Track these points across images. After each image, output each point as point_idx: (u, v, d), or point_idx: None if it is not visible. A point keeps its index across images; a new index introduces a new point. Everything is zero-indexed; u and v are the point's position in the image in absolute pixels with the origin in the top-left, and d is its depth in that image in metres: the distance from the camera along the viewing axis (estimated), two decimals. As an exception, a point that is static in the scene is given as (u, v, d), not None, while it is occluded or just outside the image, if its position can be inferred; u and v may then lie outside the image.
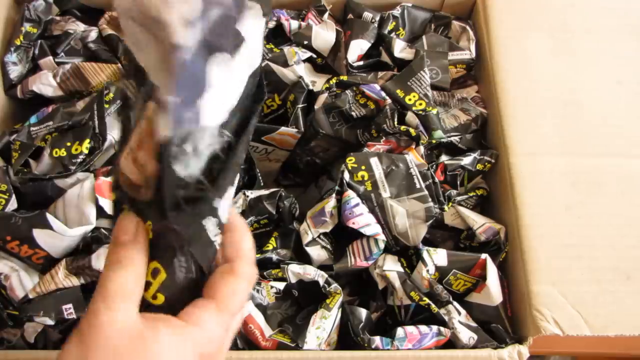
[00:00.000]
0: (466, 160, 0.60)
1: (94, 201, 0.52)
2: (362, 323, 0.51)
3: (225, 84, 0.28)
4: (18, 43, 0.64)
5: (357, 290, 0.59)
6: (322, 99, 0.61)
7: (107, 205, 0.53)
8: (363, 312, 0.52)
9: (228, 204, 0.30)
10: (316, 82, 0.64)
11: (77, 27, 0.67)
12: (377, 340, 0.49)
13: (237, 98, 0.29)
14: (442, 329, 0.50)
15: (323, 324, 0.50)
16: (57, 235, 0.50)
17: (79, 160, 0.55)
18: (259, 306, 0.52)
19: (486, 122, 0.64)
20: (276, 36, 0.68)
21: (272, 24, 0.67)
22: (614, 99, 0.61)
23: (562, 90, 0.61)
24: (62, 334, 0.51)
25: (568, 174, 0.56)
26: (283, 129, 0.58)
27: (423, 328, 0.50)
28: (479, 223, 0.57)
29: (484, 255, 0.54)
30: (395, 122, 0.58)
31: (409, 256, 0.55)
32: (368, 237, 0.53)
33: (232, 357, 0.48)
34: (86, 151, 0.55)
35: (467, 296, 0.55)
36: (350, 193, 0.54)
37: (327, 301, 0.52)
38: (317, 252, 0.55)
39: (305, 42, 0.65)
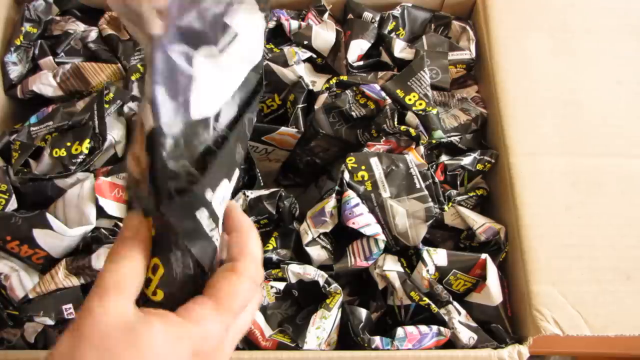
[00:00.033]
0: (466, 160, 0.60)
1: (94, 201, 0.52)
2: (362, 323, 0.51)
3: (214, 78, 0.28)
4: (18, 43, 0.64)
5: (357, 290, 0.59)
6: (322, 99, 0.61)
7: (107, 205, 0.53)
8: (363, 312, 0.52)
9: (222, 197, 0.30)
10: (316, 82, 0.64)
11: (77, 27, 0.67)
12: (377, 340, 0.49)
13: (231, 92, 0.29)
14: (442, 329, 0.50)
15: (323, 324, 0.50)
16: (57, 235, 0.50)
17: (79, 160, 0.55)
18: (259, 306, 0.53)
19: (486, 122, 0.64)
20: (276, 36, 0.68)
21: (272, 24, 0.67)
22: (614, 99, 0.61)
23: (562, 90, 0.61)
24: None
25: (568, 174, 0.56)
26: (283, 129, 0.58)
27: (423, 328, 0.50)
28: (479, 223, 0.57)
29: (484, 255, 0.54)
30: (395, 122, 0.58)
31: (409, 256, 0.55)
32: (368, 237, 0.53)
33: (232, 357, 0.48)
34: (86, 151, 0.55)
35: (467, 296, 0.55)
36: (350, 193, 0.54)
37: (327, 301, 0.52)
38: (317, 252, 0.55)
39: (305, 42, 0.65)
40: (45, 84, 0.62)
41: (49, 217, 0.50)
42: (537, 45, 0.64)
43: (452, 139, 0.61)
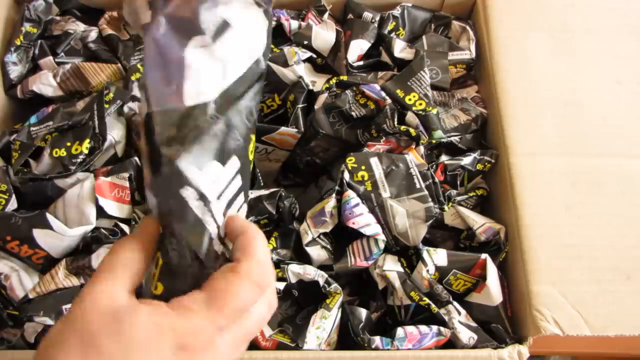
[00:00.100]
0: (466, 160, 0.60)
1: (94, 201, 0.52)
2: (362, 323, 0.51)
3: (208, 66, 0.29)
4: (18, 43, 0.64)
5: (357, 290, 0.59)
6: (322, 99, 0.61)
7: (107, 205, 0.53)
8: (363, 312, 0.52)
9: (214, 180, 0.30)
10: (316, 82, 0.64)
11: (77, 27, 0.67)
12: (377, 340, 0.49)
13: (228, 81, 0.30)
14: (442, 329, 0.50)
15: (323, 324, 0.50)
16: (57, 235, 0.50)
17: (79, 160, 0.55)
18: (259, 306, 0.52)
19: (486, 122, 0.64)
20: (276, 36, 0.68)
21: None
22: (614, 99, 0.61)
23: (562, 90, 0.61)
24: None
25: (568, 174, 0.56)
26: (283, 129, 0.58)
27: (423, 328, 0.50)
28: (479, 223, 0.57)
29: (484, 255, 0.54)
30: (395, 122, 0.58)
31: (409, 256, 0.55)
32: (368, 237, 0.53)
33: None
34: (86, 151, 0.55)
35: (467, 296, 0.55)
36: (350, 193, 0.54)
37: (327, 301, 0.52)
38: (317, 252, 0.55)
39: (305, 42, 0.65)
40: (45, 84, 0.62)
41: (49, 217, 0.50)
42: (537, 45, 0.64)
43: (452, 139, 0.61)
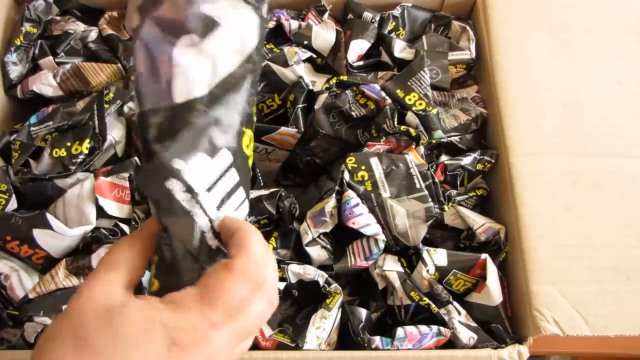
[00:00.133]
0: (466, 160, 0.60)
1: (94, 201, 0.52)
2: (362, 323, 0.51)
3: (197, 64, 0.29)
4: (18, 43, 0.64)
5: (357, 290, 0.59)
6: (322, 99, 0.61)
7: (107, 205, 0.53)
8: (363, 312, 0.52)
9: (198, 172, 0.30)
10: (316, 82, 0.64)
11: (77, 27, 0.67)
12: (377, 340, 0.49)
13: (218, 77, 0.30)
14: (442, 329, 0.50)
15: (323, 324, 0.50)
16: (57, 235, 0.50)
17: (79, 160, 0.55)
18: (259, 306, 0.52)
19: (486, 122, 0.64)
20: (276, 36, 0.68)
21: (272, 24, 0.67)
22: (614, 99, 0.61)
23: (562, 90, 0.61)
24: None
25: (568, 174, 0.56)
26: (283, 129, 0.58)
27: (423, 328, 0.50)
28: (479, 223, 0.57)
29: (484, 255, 0.54)
30: (395, 122, 0.58)
31: (409, 256, 0.55)
32: (368, 237, 0.53)
33: (232, 357, 0.48)
34: (86, 151, 0.55)
35: (467, 296, 0.55)
36: (350, 193, 0.54)
37: (327, 301, 0.52)
38: (317, 252, 0.55)
39: (305, 42, 0.65)
40: (45, 84, 0.62)
41: (49, 217, 0.50)
42: (537, 45, 0.64)
43: (452, 139, 0.61)
